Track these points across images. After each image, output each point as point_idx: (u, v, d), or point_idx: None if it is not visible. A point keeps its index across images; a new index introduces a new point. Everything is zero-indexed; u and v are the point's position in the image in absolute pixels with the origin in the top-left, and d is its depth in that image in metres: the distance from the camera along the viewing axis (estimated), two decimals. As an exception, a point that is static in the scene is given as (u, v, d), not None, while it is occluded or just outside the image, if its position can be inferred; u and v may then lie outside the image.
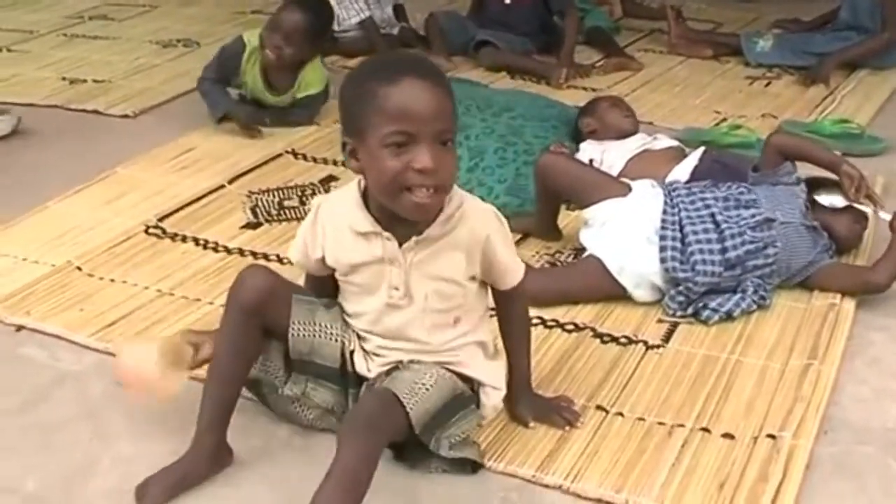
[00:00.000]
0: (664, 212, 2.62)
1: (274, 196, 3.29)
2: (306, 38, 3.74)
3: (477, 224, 1.94)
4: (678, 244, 2.57)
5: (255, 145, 3.68)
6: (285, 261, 2.74)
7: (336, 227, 1.98)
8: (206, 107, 3.81)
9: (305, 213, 3.11)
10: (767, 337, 2.48)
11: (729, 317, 2.54)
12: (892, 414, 2.22)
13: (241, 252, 2.92)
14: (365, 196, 1.94)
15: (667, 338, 2.49)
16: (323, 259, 2.03)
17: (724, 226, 2.58)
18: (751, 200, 2.64)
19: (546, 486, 1.98)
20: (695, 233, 2.57)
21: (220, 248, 2.94)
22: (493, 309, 2.12)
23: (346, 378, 2.07)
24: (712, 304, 2.54)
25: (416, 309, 1.98)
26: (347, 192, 1.98)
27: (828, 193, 2.76)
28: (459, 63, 4.70)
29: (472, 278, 2.00)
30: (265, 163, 3.56)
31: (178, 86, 4.36)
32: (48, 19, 5.48)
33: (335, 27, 4.83)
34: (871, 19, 4.56)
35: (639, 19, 5.52)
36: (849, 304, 2.60)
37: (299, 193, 3.32)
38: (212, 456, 1.97)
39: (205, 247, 2.96)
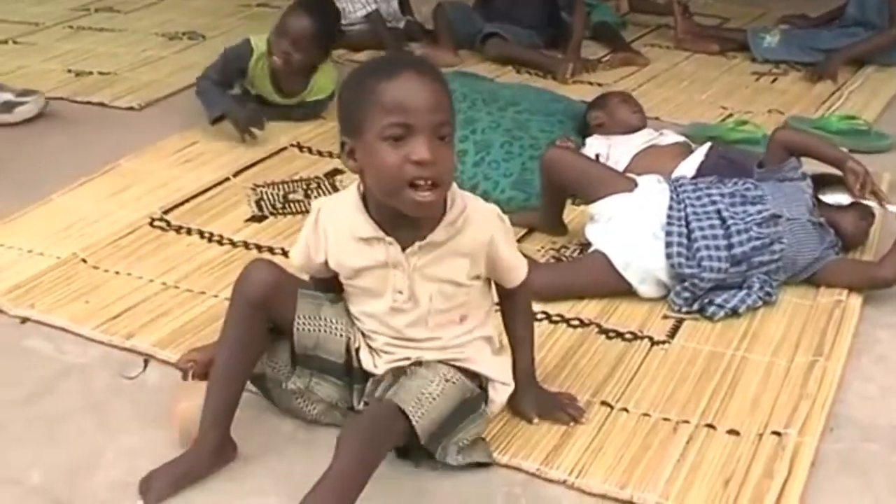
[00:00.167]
0: (670, 207, 2.61)
1: (279, 189, 3.29)
2: (314, 42, 3.71)
3: (481, 227, 1.94)
4: (684, 240, 2.56)
5: (260, 138, 3.67)
6: (290, 254, 2.73)
7: (337, 231, 1.98)
8: (203, 106, 3.72)
9: (310, 207, 3.13)
10: (773, 333, 2.48)
11: (734, 313, 2.53)
12: (899, 411, 2.21)
13: (246, 245, 2.92)
14: (365, 200, 1.93)
15: (672, 334, 2.48)
16: (326, 262, 2.02)
17: (730, 222, 2.57)
18: (757, 196, 2.63)
19: (550, 480, 1.97)
20: (701, 229, 2.56)
21: (224, 241, 2.94)
22: (497, 303, 2.12)
23: (350, 373, 2.06)
24: (718, 300, 2.54)
25: (422, 310, 1.98)
26: (347, 196, 1.97)
27: (833, 192, 2.75)
28: (465, 57, 4.70)
29: (476, 277, 2.00)
30: (270, 156, 3.56)
31: (183, 78, 4.34)
32: (54, 11, 5.46)
33: (341, 20, 4.83)
34: (879, 15, 4.55)
35: (645, 14, 5.50)
36: (855, 301, 2.59)
37: (304, 187, 3.31)
38: (216, 450, 1.97)
39: (209, 240, 2.95)
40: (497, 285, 2.08)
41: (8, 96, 3.90)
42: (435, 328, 2.00)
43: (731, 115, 3.98)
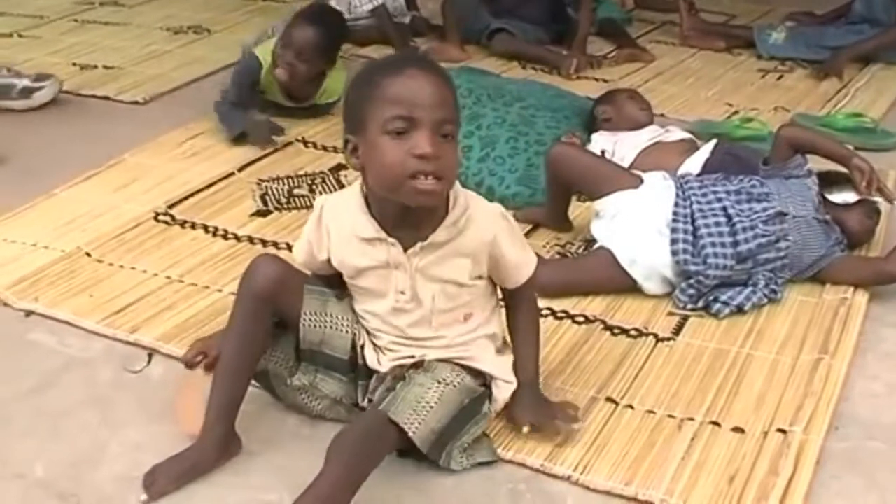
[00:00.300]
0: (676, 204, 2.61)
1: (284, 184, 3.29)
2: (318, 53, 3.67)
3: (483, 227, 1.93)
4: (690, 237, 2.56)
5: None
6: (293, 250, 2.73)
7: (340, 230, 1.97)
8: (222, 126, 3.66)
9: (315, 202, 3.13)
10: (778, 331, 2.47)
11: (740, 310, 2.53)
12: (904, 410, 2.21)
13: (251, 240, 2.92)
14: (367, 199, 1.93)
15: (677, 331, 2.48)
16: (329, 260, 2.02)
17: (735, 219, 2.56)
18: (763, 194, 2.63)
19: (554, 476, 1.97)
20: (706, 226, 2.56)
21: (229, 236, 2.94)
22: (502, 299, 2.12)
23: (355, 369, 2.06)
24: (723, 298, 2.53)
25: (424, 311, 1.97)
26: (350, 196, 1.96)
27: (840, 191, 2.74)
28: (472, 52, 4.70)
29: (479, 277, 1.99)
30: (275, 151, 3.55)
31: (188, 72, 4.36)
32: (59, 4, 5.46)
33: (346, 15, 4.82)
34: (886, 12, 4.54)
35: (651, 11, 5.50)
36: (861, 299, 2.59)
37: (309, 182, 3.31)
38: (220, 445, 1.96)
39: (214, 234, 2.95)
40: (506, 296, 2.08)
41: (25, 82, 3.95)
42: (439, 327, 2.00)
43: (736, 112, 3.97)
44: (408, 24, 4.99)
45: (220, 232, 2.96)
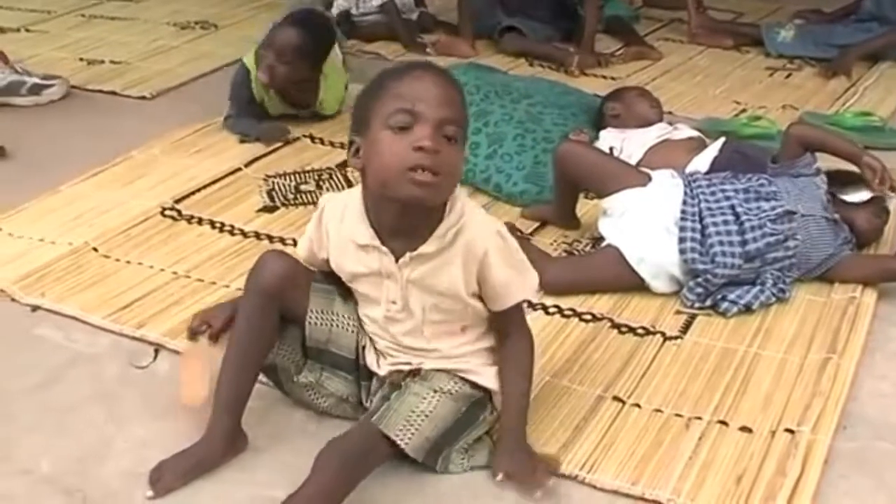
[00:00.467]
0: (684, 202, 2.60)
1: (290, 180, 3.28)
2: (298, 55, 3.53)
3: (475, 239, 1.89)
4: (698, 235, 2.55)
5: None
6: (297, 246, 2.73)
7: (338, 233, 1.97)
8: (236, 134, 3.64)
9: (319, 200, 3.13)
10: (786, 330, 2.46)
11: (748, 309, 2.52)
12: (912, 410, 2.20)
13: (258, 236, 2.91)
14: (367, 206, 1.91)
15: (685, 329, 2.47)
16: (328, 260, 2.02)
17: (744, 218, 2.56)
18: (771, 192, 2.62)
19: (562, 475, 1.96)
20: (715, 224, 2.55)
21: (236, 232, 2.94)
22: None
23: (359, 369, 2.06)
24: (731, 296, 2.52)
25: (416, 321, 1.96)
26: (351, 200, 1.95)
27: (855, 191, 2.73)
28: (481, 49, 4.69)
29: (475, 294, 1.95)
30: (282, 146, 3.55)
31: (195, 68, 4.36)
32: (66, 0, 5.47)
33: (354, 11, 4.83)
34: (895, 10, 4.52)
35: (659, 8, 5.49)
36: (869, 298, 2.58)
37: (316, 178, 3.30)
38: (227, 441, 1.96)
39: (221, 230, 2.95)
40: (491, 318, 2.00)
41: (35, 80, 3.96)
42: (432, 338, 1.98)
43: (744, 111, 3.96)
44: (415, 21, 4.99)
45: (227, 228, 2.96)
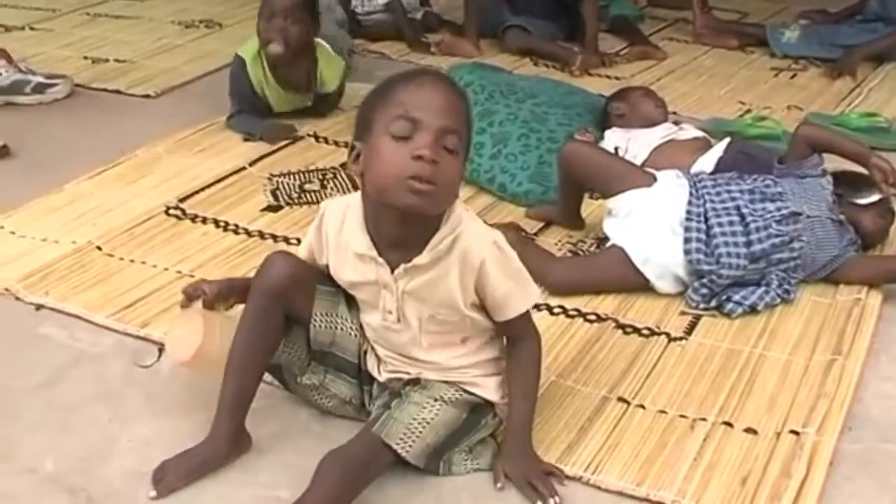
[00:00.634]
0: (689, 203, 2.59)
1: (295, 179, 3.28)
2: (302, 7, 3.55)
3: (471, 250, 1.86)
4: (703, 236, 2.55)
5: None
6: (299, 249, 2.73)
7: (337, 241, 1.96)
8: (241, 132, 3.64)
9: (326, 197, 3.13)
10: (791, 331, 2.46)
11: (753, 310, 2.51)
12: (918, 412, 2.19)
13: (262, 235, 2.91)
14: (366, 214, 1.90)
15: (689, 330, 2.46)
16: (328, 266, 2.01)
17: (749, 219, 2.55)
18: (777, 193, 2.61)
19: (566, 476, 1.95)
20: (720, 225, 2.54)
21: (240, 231, 2.93)
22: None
23: (362, 373, 2.06)
24: (736, 297, 2.52)
25: (413, 332, 1.95)
26: (351, 206, 1.93)
27: (868, 195, 2.72)
28: (485, 48, 4.69)
29: (474, 305, 1.93)
30: (287, 145, 3.55)
31: (199, 67, 4.35)
32: (71, -3, 5.48)
33: (359, 9, 4.82)
34: (900, 11, 4.52)
35: (664, 8, 5.49)
36: (874, 300, 2.57)
37: (320, 177, 3.30)
38: (230, 442, 1.96)
39: (225, 229, 2.94)
40: (498, 326, 1.99)
41: (39, 78, 3.96)
42: (430, 349, 1.97)
43: (749, 111, 3.96)
44: (420, 20, 4.98)
45: (231, 227, 2.95)
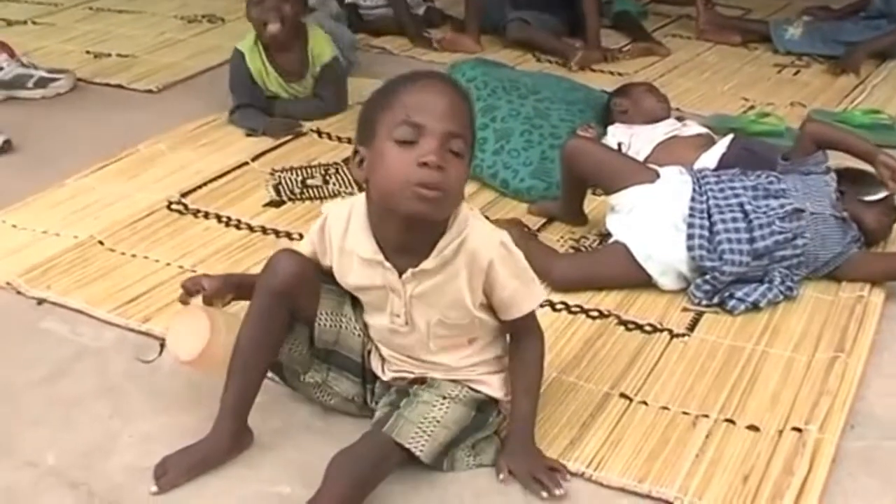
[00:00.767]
0: (692, 199, 2.59)
1: (297, 175, 3.28)
2: None
3: (479, 251, 1.86)
4: (706, 232, 2.54)
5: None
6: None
7: (341, 246, 1.94)
8: (243, 128, 3.64)
9: (328, 193, 3.13)
10: (794, 328, 2.45)
11: (755, 307, 2.51)
12: (920, 410, 2.19)
13: (264, 230, 2.91)
14: (371, 219, 1.89)
15: (692, 327, 2.46)
16: (332, 267, 2.00)
17: (752, 216, 2.54)
18: (780, 190, 2.61)
19: (568, 472, 1.94)
20: (723, 221, 2.54)
21: (242, 226, 2.93)
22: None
23: (365, 372, 2.06)
24: (739, 294, 2.51)
25: (421, 335, 1.95)
26: (355, 211, 1.91)
27: (877, 192, 2.71)
28: (487, 44, 4.68)
29: (482, 305, 1.93)
30: (289, 141, 3.54)
31: (202, 61, 4.35)
32: (73, -8, 5.48)
33: (362, 4, 4.82)
34: (904, 8, 4.52)
35: (667, 4, 5.49)
36: (877, 298, 2.57)
37: (323, 172, 3.30)
38: (232, 440, 1.96)
39: (227, 224, 2.94)
40: (503, 324, 1.99)
41: (41, 73, 3.97)
42: (438, 351, 1.97)
43: (752, 107, 3.96)
44: (422, 15, 4.98)
45: (233, 222, 2.95)
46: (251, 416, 1.98)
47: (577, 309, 2.51)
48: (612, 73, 4.36)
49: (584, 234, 2.90)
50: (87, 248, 2.78)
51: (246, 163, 3.35)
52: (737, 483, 1.92)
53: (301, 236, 2.79)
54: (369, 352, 2.04)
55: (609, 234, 2.72)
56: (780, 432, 2.07)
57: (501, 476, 1.93)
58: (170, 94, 4.05)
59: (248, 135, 3.57)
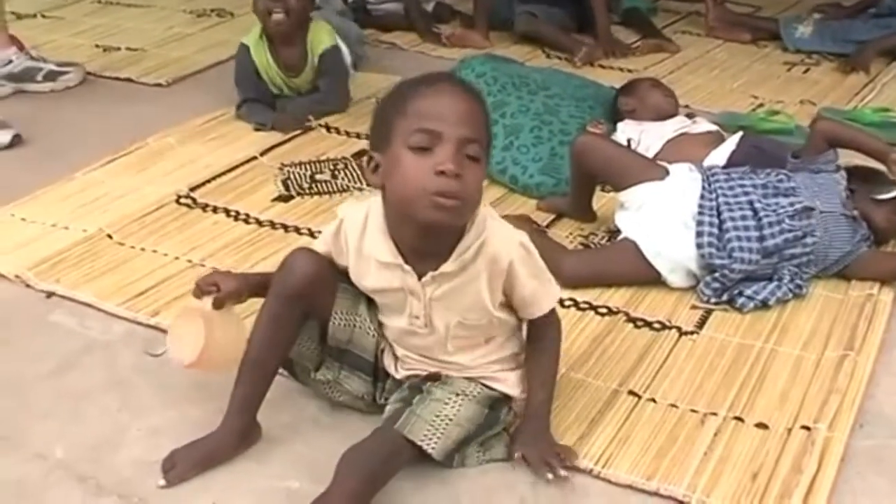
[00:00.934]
0: (702, 197, 2.58)
1: (306, 169, 3.28)
2: None
3: (499, 253, 1.85)
4: (715, 230, 2.54)
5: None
6: (316, 234, 2.72)
7: (358, 249, 1.93)
8: (251, 122, 3.63)
9: (337, 188, 3.13)
10: (803, 326, 2.45)
11: (764, 305, 2.50)
12: (930, 409, 2.18)
13: (273, 225, 2.90)
14: (388, 223, 1.88)
15: (701, 324, 2.46)
16: (348, 268, 1.99)
17: (762, 213, 2.54)
18: (790, 188, 2.60)
19: (577, 469, 1.94)
20: (732, 219, 2.53)
21: (251, 220, 2.93)
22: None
23: (377, 371, 2.05)
24: (748, 292, 2.51)
25: (439, 336, 1.94)
26: (372, 215, 1.90)
27: (886, 188, 2.70)
28: (496, 41, 4.67)
29: (501, 304, 1.94)
30: (298, 136, 3.54)
31: (211, 55, 4.35)
32: (82, -15, 5.47)
33: (371, -1, 4.82)
34: (914, 6, 4.50)
35: (677, 1, 5.46)
36: (886, 296, 2.56)
37: (331, 167, 3.29)
38: (240, 436, 1.96)
39: (236, 218, 2.94)
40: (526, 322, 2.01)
41: (51, 66, 3.97)
42: (456, 351, 1.97)
43: (762, 105, 3.95)
44: (431, 11, 4.97)
45: (242, 216, 2.95)
46: (260, 411, 1.98)
47: (586, 305, 2.51)
48: (621, 69, 4.35)
49: (594, 230, 2.89)
50: (96, 241, 2.78)
51: (255, 157, 3.35)
52: (745, 481, 1.92)
53: (309, 231, 2.81)
54: (383, 350, 2.03)
55: (618, 231, 2.72)
56: (789, 430, 2.06)
57: (516, 456, 1.93)
58: (179, 88, 4.05)
59: (257, 129, 3.57)
